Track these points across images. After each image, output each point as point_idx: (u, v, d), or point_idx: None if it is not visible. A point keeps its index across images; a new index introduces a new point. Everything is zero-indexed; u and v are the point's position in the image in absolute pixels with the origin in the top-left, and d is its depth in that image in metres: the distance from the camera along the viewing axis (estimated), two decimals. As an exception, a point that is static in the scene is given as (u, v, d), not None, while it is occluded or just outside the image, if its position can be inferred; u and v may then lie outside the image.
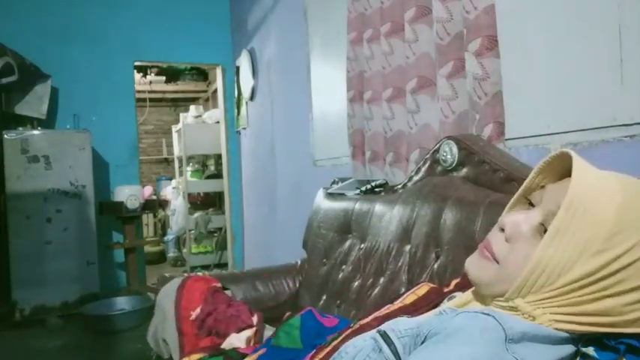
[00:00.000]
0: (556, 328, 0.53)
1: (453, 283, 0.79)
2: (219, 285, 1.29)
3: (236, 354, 0.97)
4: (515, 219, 0.59)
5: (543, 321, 0.54)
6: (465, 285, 0.74)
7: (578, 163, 0.55)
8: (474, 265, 0.62)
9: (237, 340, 1.07)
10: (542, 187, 0.62)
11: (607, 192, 0.53)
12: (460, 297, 0.69)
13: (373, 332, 0.59)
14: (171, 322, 1.18)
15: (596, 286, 0.51)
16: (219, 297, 1.21)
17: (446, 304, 0.69)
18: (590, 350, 0.53)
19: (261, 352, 0.90)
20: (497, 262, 0.59)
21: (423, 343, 0.54)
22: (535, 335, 0.51)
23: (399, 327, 0.57)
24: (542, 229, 0.57)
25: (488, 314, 0.52)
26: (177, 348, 1.15)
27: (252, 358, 0.89)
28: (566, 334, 0.54)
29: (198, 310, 1.17)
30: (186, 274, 1.32)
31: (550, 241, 0.53)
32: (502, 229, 0.61)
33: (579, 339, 0.55)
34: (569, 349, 0.54)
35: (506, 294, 0.56)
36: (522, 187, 0.64)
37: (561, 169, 0.60)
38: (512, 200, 0.65)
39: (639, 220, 0.52)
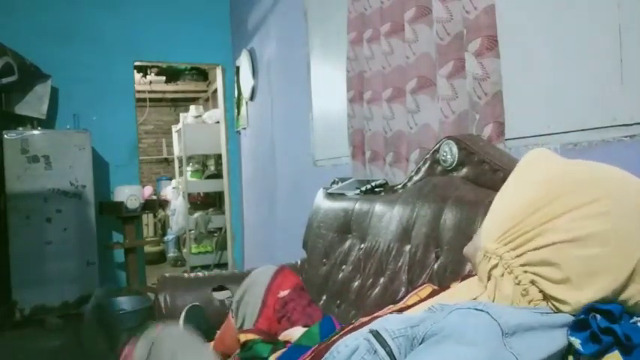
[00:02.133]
0: (525, 269, 0.59)
1: (453, 285, 0.79)
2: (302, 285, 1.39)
3: (283, 346, 1.01)
4: None
5: (509, 258, 0.61)
6: None
7: (536, 149, 0.70)
8: (467, 245, 0.74)
9: (296, 332, 1.11)
10: None
11: (550, 155, 0.68)
12: (451, 288, 0.73)
13: (365, 332, 0.59)
14: (260, 290, 1.28)
15: (539, 213, 0.60)
16: (304, 294, 1.30)
17: (434, 300, 0.71)
18: (576, 343, 0.53)
19: (283, 350, 0.91)
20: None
21: (420, 344, 0.53)
22: (530, 325, 0.52)
23: (392, 326, 0.57)
24: None
25: (481, 310, 0.52)
26: (255, 314, 1.25)
27: (274, 357, 0.91)
28: (560, 318, 0.55)
29: (286, 292, 1.27)
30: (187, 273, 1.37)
31: (501, 192, 0.69)
32: None
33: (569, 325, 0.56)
34: (565, 338, 0.54)
35: (484, 241, 0.66)
36: None
37: None
38: None
39: (576, 163, 0.64)
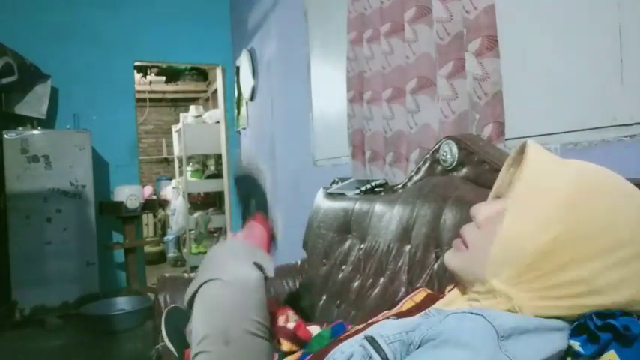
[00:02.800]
0: (536, 312, 0.55)
1: (448, 289, 0.79)
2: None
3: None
4: (481, 206, 0.66)
5: (520, 300, 0.55)
6: None
7: (533, 147, 0.61)
8: (451, 255, 0.67)
9: (314, 331, 1.06)
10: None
11: (560, 166, 0.59)
12: (446, 297, 0.70)
13: (360, 338, 0.59)
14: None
15: (558, 255, 0.54)
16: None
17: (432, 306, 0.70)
18: (576, 345, 0.53)
19: (297, 356, 0.90)
20: (468, 248, 0.64)
21: (417, 349, 0.53)
22: (526, 328, 0.52)
23: (387, 332, 0.56)
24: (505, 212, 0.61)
25: (477, 313, 0.52)
26: None
27: None
28: (555, 323, 0.55)
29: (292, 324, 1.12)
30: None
31: (511, 216, 0.58)
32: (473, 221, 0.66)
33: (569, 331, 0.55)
34: (561, 342, 0.54)
35: (482, 276, 0.59)
36: (495, 186, 0.71)
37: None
38: (488, 198, 0.71)
39: (595, 187, 0.56)
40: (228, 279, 0.92)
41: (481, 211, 0.65)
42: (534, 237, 0.55)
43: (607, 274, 0.53)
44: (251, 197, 1.40)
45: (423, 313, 0.63)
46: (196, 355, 0.88)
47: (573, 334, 0.55)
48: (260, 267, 0.97)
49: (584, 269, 0.53)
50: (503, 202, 0.65)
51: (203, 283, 0.93)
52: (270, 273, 0.99)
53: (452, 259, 0.66)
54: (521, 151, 0.65)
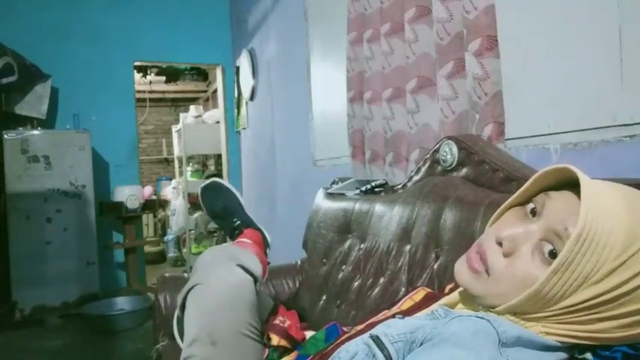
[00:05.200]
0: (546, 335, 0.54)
1: (448, 288, 0.79)
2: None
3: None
4: (514, 235, 0.57)
5: (534, 331, 0.54)
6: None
7: (586, 189, 0.52)
8: (466, 275, 0.60)
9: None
10: (542, 191, 0.60)
11: (614, 224, 0.50)
12: (450, 296, 0.70)
13: (366, 337, 0.59)
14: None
15: (591, 312, 0.51)
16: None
17: (437, 304, 0.70)
18: (588, 355, 0.53)
19: (293, 355, 0.90)
20: (489, 274, 0.58)
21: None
22: (530, 341, 0.51)
23: (392, 331, 0.57)
24: (542, 246, 0.55)
25: (482, 317, 0.52)
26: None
27: None
28: (559, 344, 0.54)
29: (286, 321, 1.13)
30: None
31: (554, 274, 0.51)
32: (499, 243, 0.58)
33: (574, 347, 0.55)
34: (563, 355, 0.54)
35: (498, 308, 0.56)
36: (517, 196, 0.62)
37: (560, 175, 0.57)
38: (505, 204, 0.64)
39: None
40: (211, 282, 0.94)
41: (510, 238, 0.57)
42: (573, 293, 0.51)
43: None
44: (223, 207, 1.41)
45: (429, 312, 0.63)
46: (185, 359, 0.90)
47: (580, 351, 0.55)
48: (246, 269, 0.98)
49: (612, 324, 0.51)
50: (536, 229, 0.56)
51: (189, 290, 0.96)
52: (258, 274, 1.00)
53: (470, 281, 0.60)
54: (556, 172, 0.57)
